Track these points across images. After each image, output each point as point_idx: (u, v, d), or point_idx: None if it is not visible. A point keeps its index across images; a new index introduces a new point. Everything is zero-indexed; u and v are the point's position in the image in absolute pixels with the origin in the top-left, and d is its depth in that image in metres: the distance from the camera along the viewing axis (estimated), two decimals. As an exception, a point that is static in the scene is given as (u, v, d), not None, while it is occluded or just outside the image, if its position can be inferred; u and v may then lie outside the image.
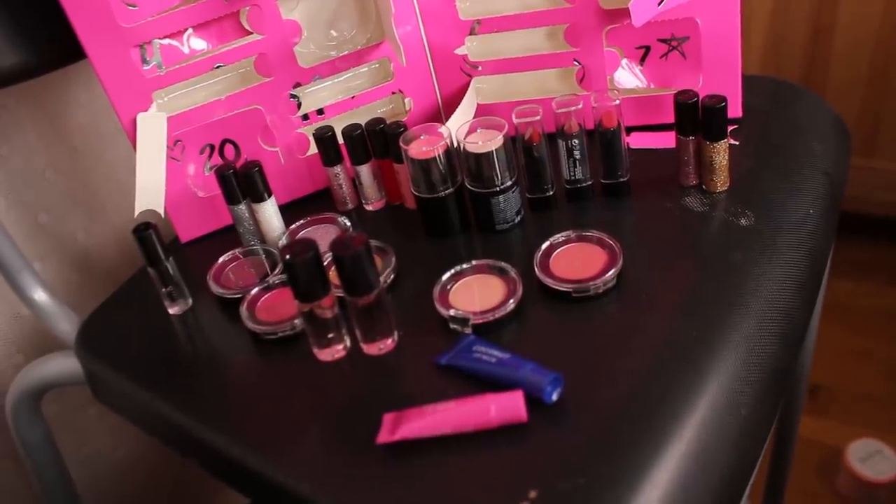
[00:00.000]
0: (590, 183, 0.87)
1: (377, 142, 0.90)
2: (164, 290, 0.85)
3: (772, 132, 0.92)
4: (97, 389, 0.87)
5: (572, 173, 0.86)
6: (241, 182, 0.89)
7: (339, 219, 0.91)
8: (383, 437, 0.67)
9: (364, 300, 0.72)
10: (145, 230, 0.82)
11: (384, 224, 0.93)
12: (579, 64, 0.91)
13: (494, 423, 0.66)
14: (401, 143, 0.84)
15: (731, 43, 0.86)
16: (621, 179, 0.86)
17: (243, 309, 0.82)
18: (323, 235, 0.90)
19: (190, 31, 0.88)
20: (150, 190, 0.89)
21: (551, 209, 0.88)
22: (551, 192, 0.87)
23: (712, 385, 0.69)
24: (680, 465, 0.65)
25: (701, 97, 0.81)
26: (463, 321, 0.75)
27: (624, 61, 0.92)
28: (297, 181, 0.96)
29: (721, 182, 0.84)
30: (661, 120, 0.93)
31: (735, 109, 0.90)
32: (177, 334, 0.85)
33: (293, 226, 0.91)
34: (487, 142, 0.81)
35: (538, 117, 0.82)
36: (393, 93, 0.96)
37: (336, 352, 0.76)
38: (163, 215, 0.90)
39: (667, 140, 0.91)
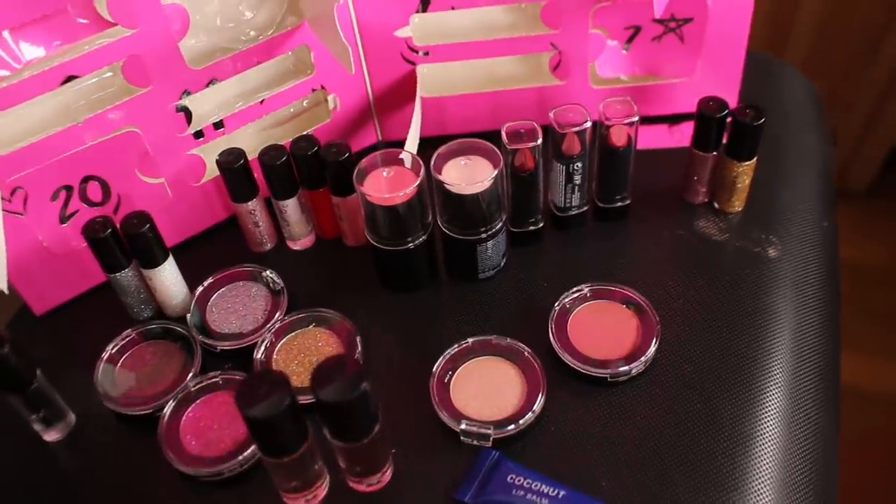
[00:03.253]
0: (584, 210, 0.66)
1: (307, 168, 0.64)
2: (33, 416, 0.57)
3: (767, 126, 0.75)
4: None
5: (568, 200, 0.65)
6: (124, 245, 0.60)
7: (265, 274, 0.64)
8: None
9: (360, 445, 0.50)
10: (-4, 347, 0.53)
11: (320, 271, 0.67)
12: (556, 49, 0.68)
13: None
14: (356, 183, 0.58)
15: (739, 29, 0.66)
16: (620, 204, 0.66)
17: (161, 437, 0.56)
18: (245, 301, 0.64)
19: (6, 32, 0.55)
20: (-18, 261, 0.58)
21: (538, 242, 0.67)
22: (541, 225, 0.65)
23: (775, 466, 0.54)
24: None
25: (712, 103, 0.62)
26: (481, 437, 0.55)
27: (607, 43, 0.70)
28: (190, 216, 0.68)
29: (739, 202, 0.66)
30: (643, 111, 0.73)
31: (731, 102, 0.72)
32: (60, 472, 0.58)
33: (200, 288, 0.64)
34: (476, 182, 0.58)
35: (538, 143, 0.59)
36: (313, 90, 0.68)
37: (313, 496, 0.53)
38: (6, 290, 0.59)
39: (658, 138, 0.72)
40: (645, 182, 0.68)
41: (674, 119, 0.73)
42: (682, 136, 0.73)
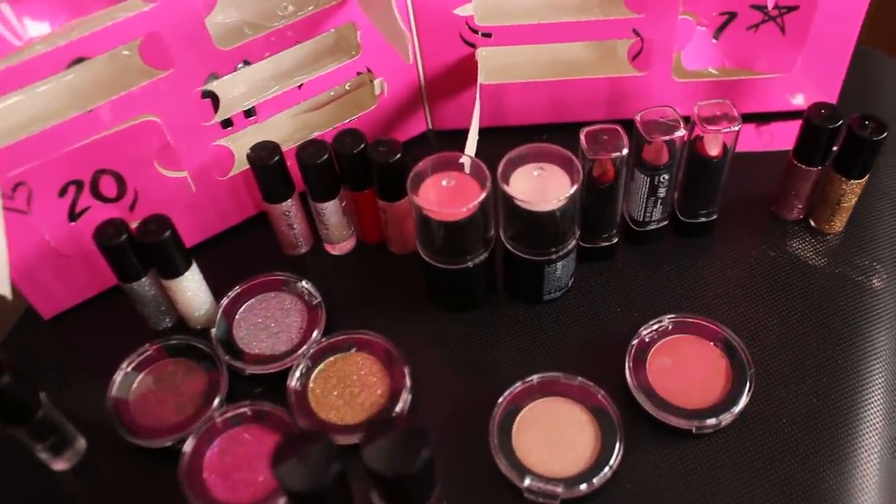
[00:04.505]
0: (664, 224, 0.57)
1: (351, 168, 0.55)
2: (39, 446, 0.49)
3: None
4: None
5: (648, 214, 0.56)
6: (142, 252, 0.51)
7: (300, 285, 0.56)
8: None
9: (415, 513, 0.42)
10: (-6, 378, 0.45)
11: (361, 281, 0.58)
12: (638, 35, 0.58)
13: None
14: (410, 193, 0.49)
15: (851, 22, 0.56)
16: (705, 219, 0.57)
17: (183, 479, 0.48)
18: (278, 315, 0.55)
19: (6, 6, 0.46)
20: (-20, 266, 0.49)
21: (609, 259, 0.58)
22: (615, 241, 0.56)
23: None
24: None
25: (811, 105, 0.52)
26: (548, 496, 0.47)
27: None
28: (216, 213, 0.59)
29: (840, 222, 0.57)
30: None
31: (832, 98, 0.62)
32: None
33: (226, 299, 0.55)
34: (550, 199, 0.49)
35: (623, 153, 0.50)
36: (358, 73, 0.59)
37: (355, 556, 0.46)
38: (10, 296, 0.51)
39: (744, 140, 0.62)
40: (729, 189, 0.59)
41: (763, 118, 0.64)
42: (771, 138, 0.63)
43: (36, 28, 0.46)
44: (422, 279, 0.56)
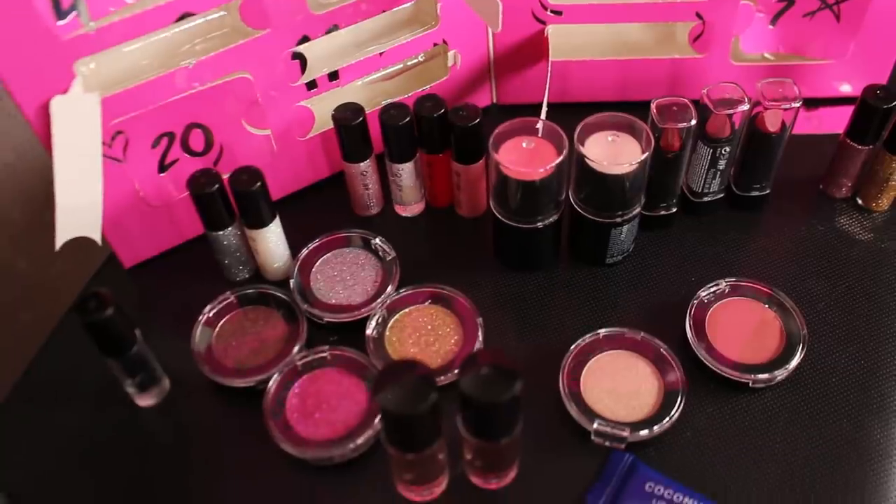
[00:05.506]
0: (720, 197, 0.60)
1: (430, 131, 0.57)
2: (129, 380, 0.52)
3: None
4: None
5: (707, 185, 0.59)
6: (231, 201, 0.54)
7: (375, 241, 0.59)
8: None
9: (497, 444, 0.45)
10: (99, 309, 0.47)
11: (431, 241, 0.61)
12: (701, 18, 0.61)
13: None
14: (491, 151, 0.52)
15: (907, 8, 0.60)
16: (758, 193, 0.60)
17: (268, 416, 0.50)
18: (353, 269, 0.58)
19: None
20: (77, 209, 0.51)
21: (666, 227, 0.60)
22: (673, 210, 0.59)
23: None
24: None
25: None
26: (615, 439, 0.50)
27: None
28: (292, 172, 0.62)
29: (887, 201, 0.60)
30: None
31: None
32: (155, 443, 0.52)
33: (304, 251, 0.58)
34: (623, 163, 0.52)
35: (692, 123, 0.53)
36: (435, 44, 0.61)
37: (431, 490, 0.48)
38: (100, 241, 0.54)
39: (796, 124, 0.65)
40: (786, 172, 0.61)
41: (812, 104, 0.67)
42: (819, 122, 0.66)
43: (149, -17, 0.49)
44: (490, 241, 0.59)
